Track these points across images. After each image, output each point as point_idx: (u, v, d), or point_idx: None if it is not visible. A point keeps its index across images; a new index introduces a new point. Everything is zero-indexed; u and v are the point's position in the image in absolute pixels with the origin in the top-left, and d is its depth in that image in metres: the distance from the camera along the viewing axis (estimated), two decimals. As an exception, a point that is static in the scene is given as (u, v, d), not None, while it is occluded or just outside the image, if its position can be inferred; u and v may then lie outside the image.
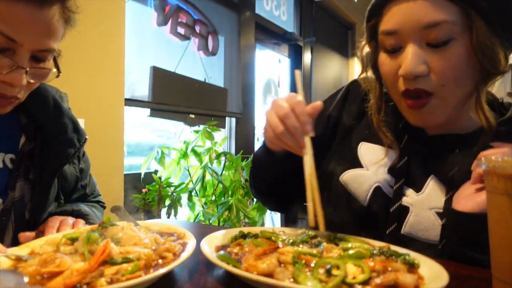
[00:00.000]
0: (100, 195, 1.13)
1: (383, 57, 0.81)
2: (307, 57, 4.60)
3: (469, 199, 0.68)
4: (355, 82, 1.01)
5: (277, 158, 0.89)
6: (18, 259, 0.58)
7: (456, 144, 0.82)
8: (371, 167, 0.88)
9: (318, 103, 0.76)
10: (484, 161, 0.51)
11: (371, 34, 0.84)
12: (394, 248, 0.64)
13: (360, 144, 0.92)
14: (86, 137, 0.99)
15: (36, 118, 0.91)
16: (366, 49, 0.88)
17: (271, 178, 0.95)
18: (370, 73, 0.90)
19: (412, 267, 0.57)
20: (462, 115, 0.82)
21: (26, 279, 0.51)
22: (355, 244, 0.65)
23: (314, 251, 0.61)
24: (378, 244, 0.67)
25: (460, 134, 0.82)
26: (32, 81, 0.78)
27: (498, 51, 0.73)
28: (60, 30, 0.79)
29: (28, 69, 0.75)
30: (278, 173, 0.92)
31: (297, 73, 0.82)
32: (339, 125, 0.99)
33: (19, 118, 0.91)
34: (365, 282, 0.51)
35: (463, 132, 0.82)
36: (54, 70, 0.83)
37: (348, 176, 0.89)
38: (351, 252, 0.60)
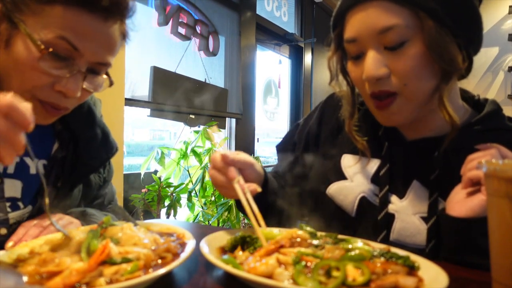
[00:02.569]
0: (117, 205, 1.10)
1: (350, 64, 0.83)
2: (307, 58, 4.61)
3: (462, 204, 0.68)
4: (333, 95, 1.03)
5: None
6: (18, 259, 0.58)
7: (435, 146, 0.82)
8: (355, 178, 0.90)
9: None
10: (485, 164, 0.51)
11: (337, 42, 0.86)
12: (394, 250, 0.64)
13: (342, 157, 0.94)
14: (117, 147, 0.98)
15: (70, 125, 0.90)
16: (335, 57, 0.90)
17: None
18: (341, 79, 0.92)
19: (412, 269, 0.57)
20: (436, 117, 0.82)
21: (25, 279, 0.51)
22: (356, 245, 0.65)
23: (318, 252, 0.60)
24: (378, 246, 0.67)
25: (437, 137, 0.83)
26: (89, 89, 0.78)
27: (452, 50, 0.74)
28: (118, 45, 0.80)
29: (84, 82, 0.76)
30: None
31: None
32: (320, 139, 1.01)
33: (54, 124, 0.89)
34: (365, 284, 0.51)
35: (440, 134, 0.83)
36: (105, 76, 0.83)
37: (334, 189, 0.91)
38: (352, 253, 0.59)
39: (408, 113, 0.79)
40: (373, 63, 0.75)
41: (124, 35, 0.82)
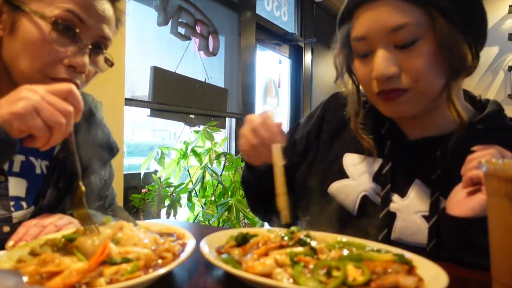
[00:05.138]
0: (117, 204, 1.11)
1: (356, 62, 0.83)
2: (307, 57, 4.60)
3: (462, 203, 0.68)
4: (336, 95, 1.03)
5: (258, 173, 0.93)
6: (20, 259, 0.58)
7: (437, 145, 0.82)
8: (356, 176, 0.90)
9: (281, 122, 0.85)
10: (485, 163, 0.51)
11: (343, 40, 0.86)
12: (387, 248, 0.64)
13: (344, 155, 0.94)
14: (118, 148, 0.99)
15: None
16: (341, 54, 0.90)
17: (260, 194, 0.98)
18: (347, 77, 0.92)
19: (411, 268, 0.57)
20: (439, 115, 0.83)
21: (25, 279, 0.51)
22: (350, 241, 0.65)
23: (300, 249, 0.60)
24: (378, 246, 0.67)
25: (439, 136, 0.83)
26: (93, 68, 0.83)
27: (463, 48, 0.74)
28: (115, 25, 0.86)
29: (90, 55, 0.80)
30: (263, 187, 0.92)
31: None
32: (320, 138, 1.00)
33: None
34: (365, 284, 0.51)
35: (442, 133, 0.83)
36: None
37: (335, 188, 0.91)
38: (351, 253, 0.60)
39: (416, 105, 0.79)
40: (383, 61, 0.75)
41: (117, 19, 0.87)
